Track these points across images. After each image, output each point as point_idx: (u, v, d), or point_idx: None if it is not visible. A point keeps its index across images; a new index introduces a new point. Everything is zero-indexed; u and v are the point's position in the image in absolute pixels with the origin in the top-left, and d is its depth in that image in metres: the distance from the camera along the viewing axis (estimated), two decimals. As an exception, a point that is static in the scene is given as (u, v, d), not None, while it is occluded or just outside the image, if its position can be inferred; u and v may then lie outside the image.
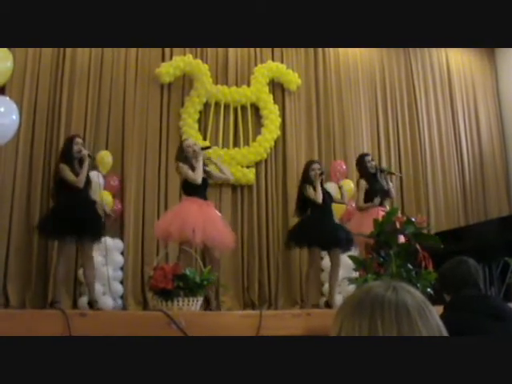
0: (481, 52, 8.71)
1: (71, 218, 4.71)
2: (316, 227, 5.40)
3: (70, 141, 5.04)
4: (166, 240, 5.14)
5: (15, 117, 4.98)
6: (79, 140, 5.02)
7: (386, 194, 5.78)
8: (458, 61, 8.57)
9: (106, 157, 6.15)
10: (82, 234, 4.80)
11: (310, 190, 5.46)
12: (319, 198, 5.40)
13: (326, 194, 5.56)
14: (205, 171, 5.17)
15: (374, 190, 5.70)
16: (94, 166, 5.08)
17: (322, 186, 5.55)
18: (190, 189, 5.07)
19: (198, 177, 5.00)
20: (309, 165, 5.66)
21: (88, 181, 4.98)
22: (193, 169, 5.03)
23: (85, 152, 4.90)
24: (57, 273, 4.97)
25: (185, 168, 5.04)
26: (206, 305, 5.08)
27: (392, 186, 5.95)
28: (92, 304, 4.82)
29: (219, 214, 5.31)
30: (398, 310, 1.02)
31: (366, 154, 6.10)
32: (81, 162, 4.91)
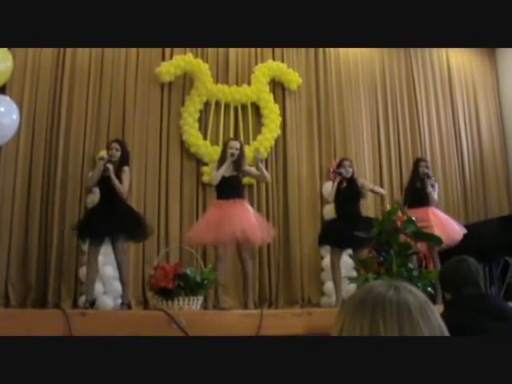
0: (481, 52, 8.70)
1: (88, 220, 5.06)
2: (331, 227, 5.50)
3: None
4: (194, 246, 5.29)
5: (15, 116, 4.98)
6: (114, 145, 5.21)
7: (424, 197, 5.87)
8: (459, 60, 8.56)
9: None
10: (96, 235, 4.97)
11: (327, 190, 5.61)
12: (330, 197, 5.52)
13: (348, 189, 5.59)
14: (239, 170, 5.21)
15: (412, 193, 5.93)
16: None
17: (350, 180, 5.64)
18: (216, 190, 5.23)
19: (213, 179, 5.17)
20: (340, 162, 5.86)
21: (108, 183, 5.05)
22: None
23: (101, 155, 5.16)
24: (88, 272, 5.07)
25: (211, 168, 5.28)
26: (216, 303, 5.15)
27: (435, 191, 6.00)
28: (125, 305, 4.96)
29: (249, 210, 5.27)
30: (400, 309, 1.02)
31: (423, 160, 6.27)
32: (119, 164, 5.13)
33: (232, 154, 5.15)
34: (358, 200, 5.61)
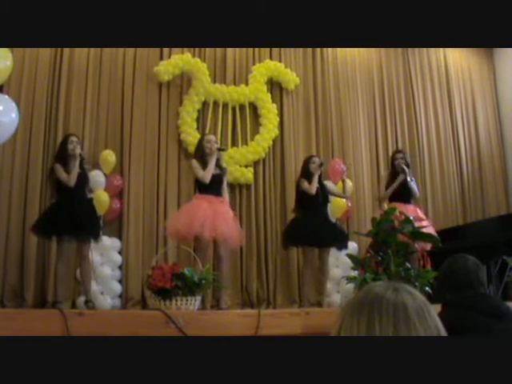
0: (479, 52, 8.71)
1: (64, 216, 4.77)
2: (307, 226, 5.43)
3: (64, 140, 5.10)
4: (177, 238, 5.15)
5: (14, 115, 4.95)
6: (73, 138, 5.04)
7: (405, 192, 5.78)
8: (456, 60, 8.57)
9: (109, 156, 6.14)
10: (76, 233, 4.82)
11: (304, 184, 5.52)
12: (313, 189, 5.44)
13: (322, 190, 5.57)
14: (221, 168, 5.18)
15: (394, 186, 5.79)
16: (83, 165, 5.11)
17: (320, 180, 5.58)
18: (201, 186, 5.06)
19: (206, 177, 4.98)
20: (309, 159, 5.74)
21: (85, 179, 5.02)
22: (205, 167, 5.01)
23: (77, 151, 4.92)
24: (57, 272, 4.98)
25: (195, 166, 5.04)
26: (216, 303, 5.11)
27: (415, 184, 5.91)
28: (87, 303, 4.81)
29: (231, 212, 5.27)
30: (397, 309, 1.04)
31: (399, 151, 6.17)
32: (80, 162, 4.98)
33: (218, 149, 5.11)
34: (327, 202, 5.63)
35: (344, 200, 6.57)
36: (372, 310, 1.05)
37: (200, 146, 5.19)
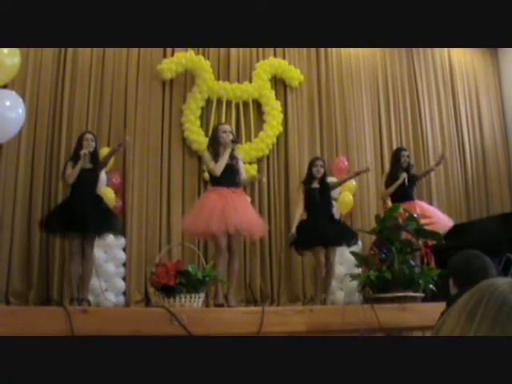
0: (483, 51, 8.68)
1: (67, 213, 4.75)
2: (314, 226, 5.42)
3: (79, 137, 5.07)
4: (191, 235, 5.13)
5: (21, 110, 4.92)
6: (88, 136, 4.98)
7: (406, 191, 5.82)
8: (461, 60, 8.55)
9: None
10: (80, 230, 4.80)
11: (300, 189, 5.56)
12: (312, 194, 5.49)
13: (324, 190, 5.57)
14: (233, 157, 5.02)
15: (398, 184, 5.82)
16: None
17: (322, 180, 5.57)
18: (214, 178, 4.98)
19: (218, 169, 4.86)
20: (312, 161, 5.73)
21: (90, 175, 4.96)
22: (216, 158, 4.91)
23: (82, 151, 4.88)
24: (71, 272, 4.88)
25: (207, 158, 4.96)
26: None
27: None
28: (82, 302, 4.73)
29: (248, 201, 5.19)
30: None
31: (404, 149, 6.20)
32: (91, 157, 4.94)
33: (233, 141, 4.95)
34: (330, 201, 5.64)
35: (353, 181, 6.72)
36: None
37: (215, 135, 5.07)
